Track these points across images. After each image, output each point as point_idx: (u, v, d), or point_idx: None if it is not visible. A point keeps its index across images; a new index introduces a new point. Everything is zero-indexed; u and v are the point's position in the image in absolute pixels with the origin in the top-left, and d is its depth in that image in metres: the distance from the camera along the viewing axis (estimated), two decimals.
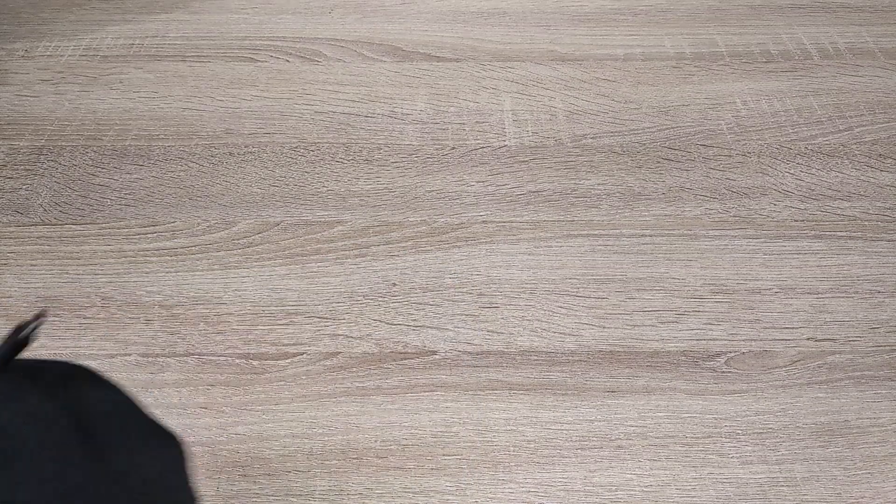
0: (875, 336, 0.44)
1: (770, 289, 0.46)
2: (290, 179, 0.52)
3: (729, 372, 0.43)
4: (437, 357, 0.43)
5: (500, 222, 0.50)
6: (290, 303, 0.45)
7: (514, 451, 0.39)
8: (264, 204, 0.51)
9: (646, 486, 0.38)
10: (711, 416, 0.41)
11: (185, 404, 0.41)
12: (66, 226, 0.49)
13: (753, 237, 0.49)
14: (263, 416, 0.41)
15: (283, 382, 0.42)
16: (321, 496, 0.38)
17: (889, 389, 0.42)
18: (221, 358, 0.43)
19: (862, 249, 0.49)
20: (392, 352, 0.43)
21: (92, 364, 0.42)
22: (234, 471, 0.39)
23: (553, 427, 0.40)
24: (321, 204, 0.51)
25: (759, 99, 0.58)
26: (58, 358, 0.43)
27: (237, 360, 0.43)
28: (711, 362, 0.43)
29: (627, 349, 0.44)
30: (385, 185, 0.52)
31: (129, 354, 0.42)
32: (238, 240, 0.49)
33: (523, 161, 0.54)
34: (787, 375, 0.43)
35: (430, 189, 0.52)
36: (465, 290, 0.46)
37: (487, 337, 0.44)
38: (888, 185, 0.52)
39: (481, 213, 0.50)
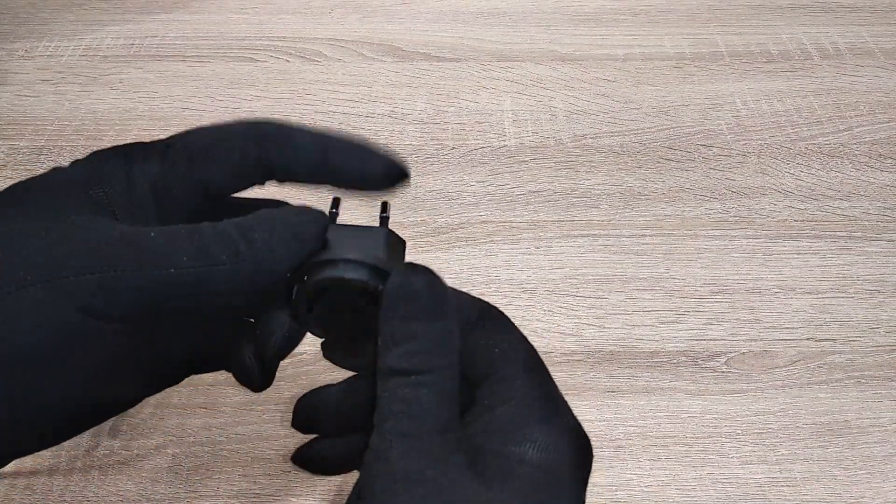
0: (875, 336, 0.44)
1: (770, 289, 0.46)
2: None
3: (729, 372, 0.43)
4: None
5: (500, 222, 0.50)
6: None
7: None
8: (264, 204, 0.51)
9: (646, 486, 0.38)
10: (711, 416, 0.41)
11: (185, 404, 0.41)
12: None
13: (753, 237, 0.49)
14: (263, 416, 0.41)
15: (283, 382, 0.42)
16: (321, 496, 0.38)
17: (889, 389, 0.42)
18: None
19: (862, 249, 0.49)
20: None
21: None
22: (233, 471, 0.39)
23: None
24: (321, 204, 0.51)
25: (759, 99, 0.58)
26: None
27: None
28: (711, 362, 0.43)
29: (627, 349, 0.44)
30: None
31: None
32: None
33: (523, 161, 0.54)
34: (787, 375, 0.43)
35: (430, 189, 0.52)
36: (465, 289, 0.46)
37: None
38: (888, 185, 0.52)
39: (481, 213, 0.50)
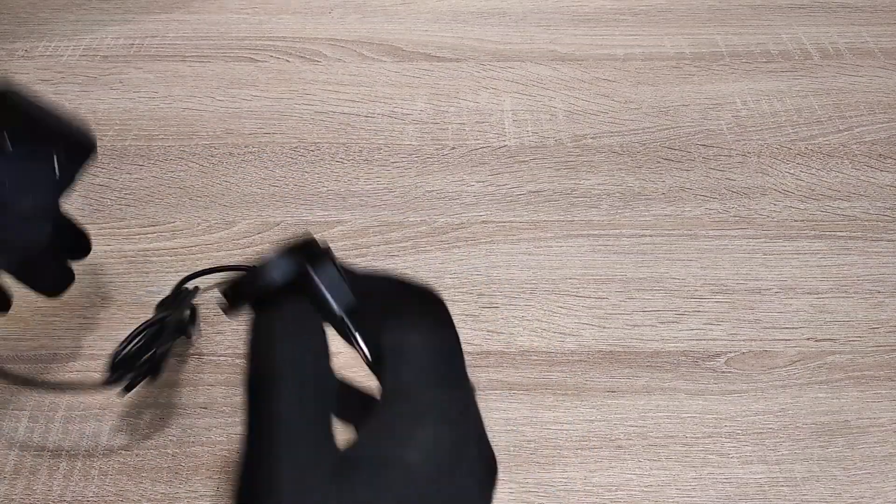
0: (875, 336, 0.44)
1: (770, 289, 0.46)
2: (290, 179, 0.52)
3: (729, 372, 0.43)
4: None
5: (500, 222, 0.50)
6: None
7: (514, 451, 0.39)
8: (264, 204, 0.51)
9: (646, 486, 0.38)
10: (711, 416, 0.41)
11: (185, 404, 0.41)
12: None
13: (753, 237, 0.49)
14: None
15: None
16: None
17: (889, 389, 0.42)
18: (222, 358, 0.43)
19: (862, 249, 0.49)
20: None
21: (92, 364, 0.42)
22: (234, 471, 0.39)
23: (553, 427, 0.40)
24: (321, 204, 0.51)
25: (759, 99, 0.58)
26: (56, 353, 0.43)
27: (237, 360, 0.43)
28: (711, 362, 0.43)
29: (627, 349, 0.44)
30: (385, 185, 0.52)
31: None
32: (238, 240, 0.49)
33: (523, 161, 0.54)
34: (787, 375, 0.43)
35: (430, 189, 0.52)
36: (465, 290, 0.46)
37: (487, 337, 0.44)
38: (888, 185, 0.52)
39: (481, 213, 0.50)
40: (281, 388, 0.21)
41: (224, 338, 0.44)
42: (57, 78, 0.60)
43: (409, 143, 0.55)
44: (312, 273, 0.26)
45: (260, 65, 0.61)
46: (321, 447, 0.21)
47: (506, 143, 0.55)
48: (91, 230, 0.50)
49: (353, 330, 0.26)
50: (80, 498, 0.38)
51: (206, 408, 0.41)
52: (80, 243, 0.41)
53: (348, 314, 0.26)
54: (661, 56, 0.62)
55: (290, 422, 0.21)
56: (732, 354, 0.43)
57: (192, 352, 0.43)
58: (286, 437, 0.21)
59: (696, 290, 0.46)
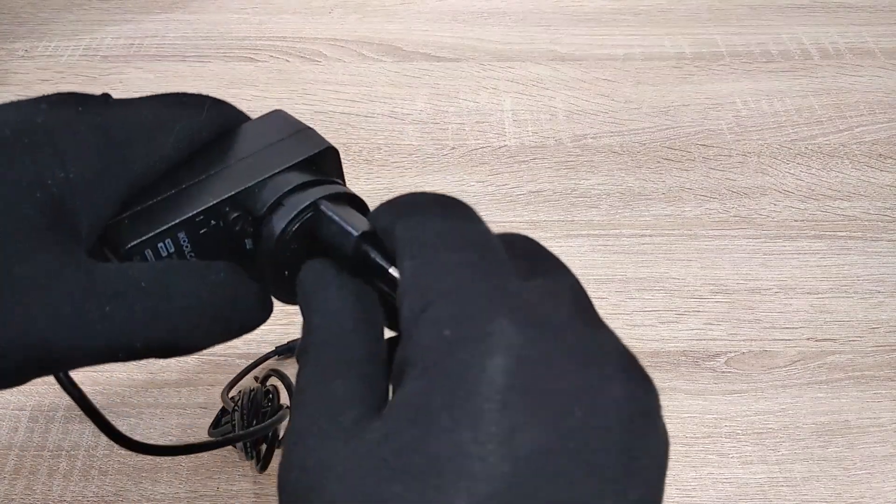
0: (875, 336, 0.44)
1: (770, 289, 0.46)
2: None
3: (729, 372, 0.43)
4: None
5: (500, 222, 0.50)
6: None
7: None
8: None
9: None
10: (711, 416, 0.41)
11: (184, 404, 0.41)
12: None
13: (753, 237, 0.49)
14: None
15: None
16: None
17: (889, 389, 0.42)
18: (221, 358, 0.43)
19: (862, 249, 0.49)
20: None
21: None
22: (233, 471, 0.39)
23: None
24: None
25: (759, 99, 0.58)
26: None
27: (237, 360, 0.43)
28: (711, 362, 0.43)
29: None
30: (385, 185, 0.52)
31: None
32: None
33: (523, 161, 0.54)
34: (787, 375, 0.43)
35: (430, 189, 0.52)
36: None
37: None
38: (888, 185, 0.52)
39: (481, 214, 0.50)
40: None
41: None
42: (57, 78, 0.60)
43: (409, 143, 0.55)
44: (325, 208, 0.23)
45: (260, 65, 0.61)
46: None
47: (506, 143, 0.55)
48: None
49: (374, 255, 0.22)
50: (79, 498, 0.38)
51: (205, 408, 0.41)
52: None
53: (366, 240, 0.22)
54: (661, 56, 0.62)
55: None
56: (732, 354, 0.43)
57: None
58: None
59: (696, 290, 0.46)
